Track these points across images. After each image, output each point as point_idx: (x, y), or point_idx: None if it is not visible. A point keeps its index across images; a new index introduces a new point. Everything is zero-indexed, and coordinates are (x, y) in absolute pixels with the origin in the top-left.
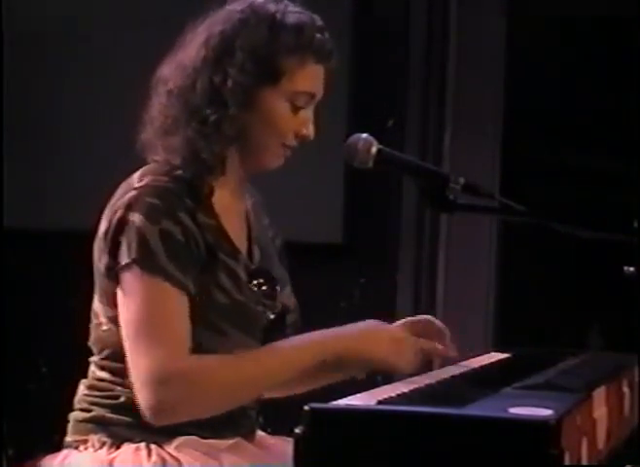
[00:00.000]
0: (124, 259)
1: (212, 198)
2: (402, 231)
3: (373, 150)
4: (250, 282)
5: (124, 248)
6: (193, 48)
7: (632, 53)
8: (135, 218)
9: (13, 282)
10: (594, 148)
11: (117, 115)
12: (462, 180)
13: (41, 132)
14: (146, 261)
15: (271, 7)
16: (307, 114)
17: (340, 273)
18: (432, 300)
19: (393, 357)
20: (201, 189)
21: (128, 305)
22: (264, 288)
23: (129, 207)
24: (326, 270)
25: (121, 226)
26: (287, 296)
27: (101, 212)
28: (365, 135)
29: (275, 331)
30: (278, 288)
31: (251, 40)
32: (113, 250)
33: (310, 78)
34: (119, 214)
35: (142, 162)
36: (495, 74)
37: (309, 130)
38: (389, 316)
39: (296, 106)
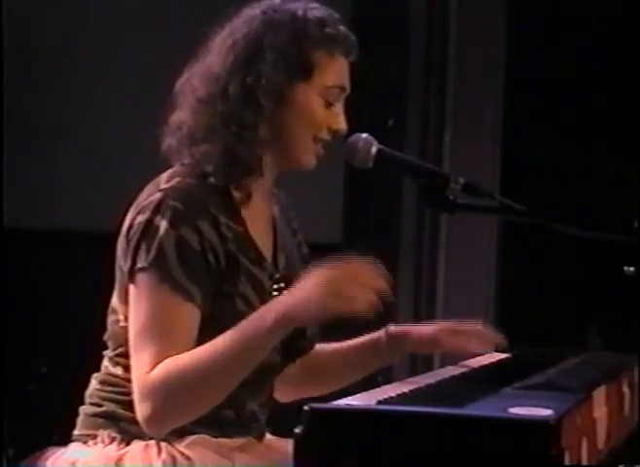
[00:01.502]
0: (141, 262)
1: (242, 205)
2: (402, 231)
3: (373, 150)
4: (272, 290)
5: (142, 251)
6: (218, 54)
7: (632, 53)
8: (158, 221)
9: (13, 282)
10: (594, 148)
11: (118, 115)
12: (462, 180)
13: (41, 132)
14: (159, 267)
15: (291, 5)
16: (338, 108)
17: None
18: (432, 300)
19: (332, 299)
20: (231, 195)
21: (135, 309)
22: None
23: (155, 210)
24: None
25: (144, 228)
26: None
27: (102, 212)
28: (365, 135)
29: (295, 341)
30: None
31: (278, 37)
32: (134, 252)
33: (339, 71)
34: (143, 216)
35: (144, 163)
36: (495, 74)
37: (342, 125)
38: (389, 316)
39: (327, 101)
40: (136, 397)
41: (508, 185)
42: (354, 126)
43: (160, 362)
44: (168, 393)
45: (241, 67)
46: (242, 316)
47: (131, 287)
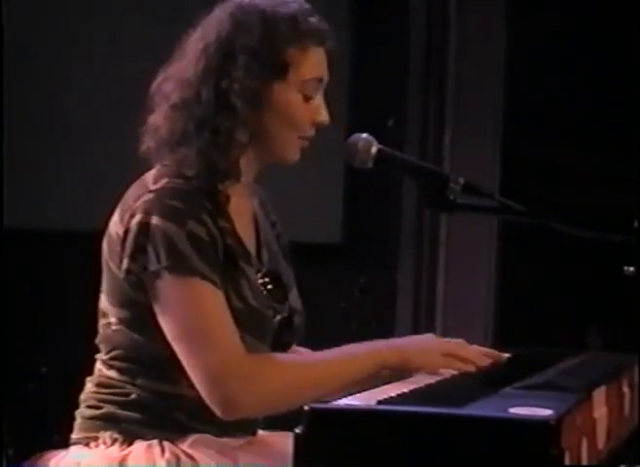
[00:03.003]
0: (152, 265)
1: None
2: (402, 231)
3: (373, 150)
4: (260, 286)
5: (150, 254)
6: (190, 59)
7: (632, 53)
8: (158, 221)
9: (13, 282)
10: (594, 148)
11: (117, 115)
12: (462, 180)
13: (41, 132)
14: (179, 265)
15: (260, 2)
16: (318, 100)
17: (340, 273)
18: (432, 300)
19: (447, 357)
20: (217, 195)
21: (171, 310)
22: (273, 291)
23: (149, 210)
24: (326, 270)
25: (143, 229)
26: (294, 298)
27: (102, 212)
28: (365, 135)
29: (284, 334)
30: (287, 291)
31: (249, 39)
32: (135, 254)
33: (315, 63)
34: (138, 217)
35: (143, 163)
36: (495, 74)
37: (324, 116)
38: (389, 316)
39: (306, 95)
40: (212, 382)
41: (508, 185)
42: (354, 126)
43: (233, 348)
44: (255, 382)
45: (213, 72)
46: (236, 313)
47: (152, 295)
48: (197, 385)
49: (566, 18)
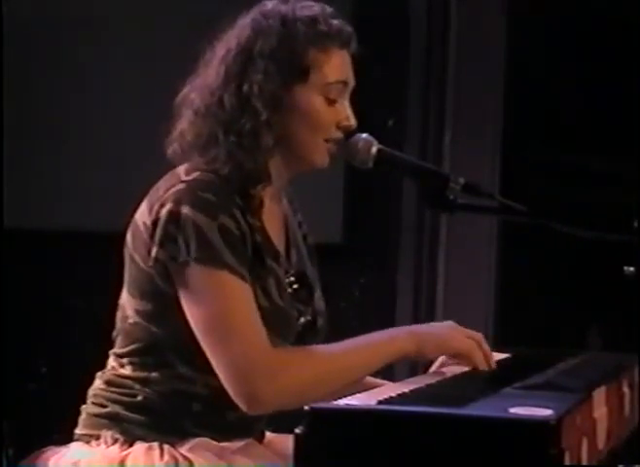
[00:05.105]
0: (181, 256)
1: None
2: (402, 231)
3: (374, 150)
4: (287, 286)
5: (180, 244)
6: (212, 67)
7: (632, 53)
8: (189, 211)
9: (13, 282)
10: (594, 148)
11: (117, 115)
12: (462, 180)
13: (41, 132)
14: (209, 257)
15: (281, 7)
16: (344, 104)
17: (340, 273)
18: (432, 300)
19: (467, 349)
20: (248, 193)
21: (199, 303)
22: (299, 291)
23: (180, 200)
24: (326, 270)
25: (173, 218)
26: (318, 299)
27: (102, 213)
28: (365, 135)
29: (308, 335)
30: (313, 293)
31: (268, 43)
32: (164, 242)
33: (338, 66)
34: (169, 206)
35: (143, 163)
36: (495, 74)
37: (350, 120)
38: (389, 316)
39: (330, 99)
40: (238, 375)
41: (508, 185)
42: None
43: (259, 342)
44: (280, 376)
45: (234, 77)
46: (261, 311)
47: (179, 285)
48: (223, 379)
49: (566, 18)
